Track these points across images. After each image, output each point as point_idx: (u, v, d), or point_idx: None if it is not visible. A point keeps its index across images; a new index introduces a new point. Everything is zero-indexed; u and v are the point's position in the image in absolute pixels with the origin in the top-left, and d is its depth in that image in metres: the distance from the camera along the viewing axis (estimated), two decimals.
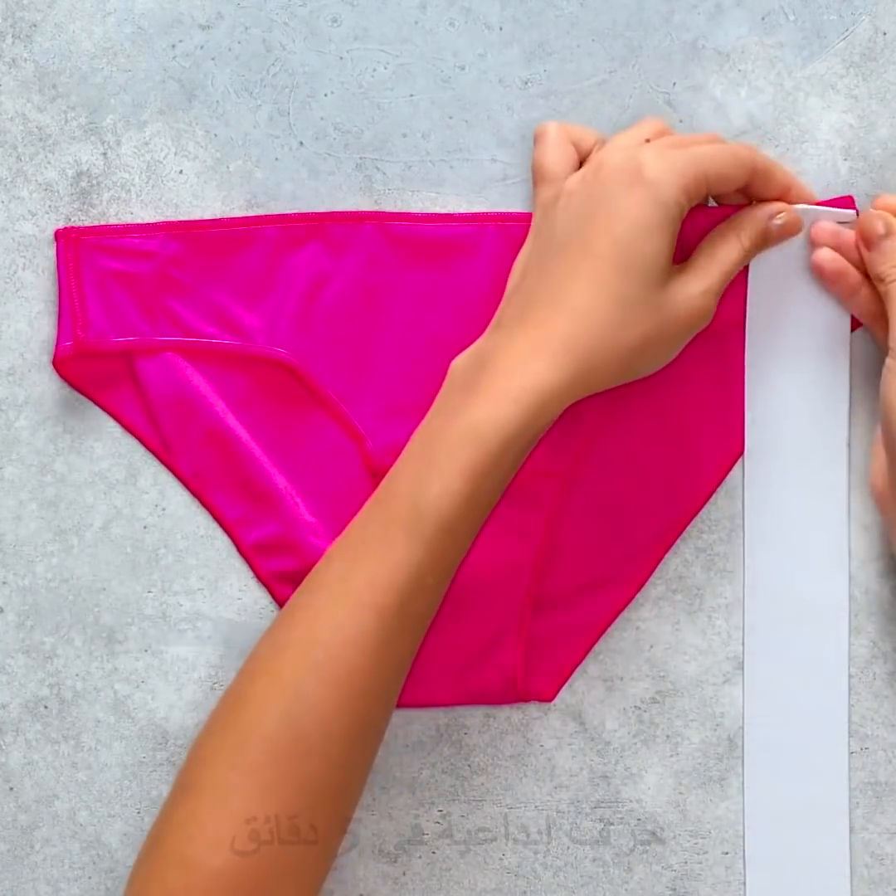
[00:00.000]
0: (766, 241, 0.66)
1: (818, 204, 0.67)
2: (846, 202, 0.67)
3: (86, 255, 0.68)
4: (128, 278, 0.68)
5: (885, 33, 0.69)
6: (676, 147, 0.63)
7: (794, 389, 0.68)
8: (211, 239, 0.68)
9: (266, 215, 0.69)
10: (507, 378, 0.61)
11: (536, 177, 0.66)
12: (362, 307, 0.69)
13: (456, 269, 0.68)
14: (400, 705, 0.65)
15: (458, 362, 0.63)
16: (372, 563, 0.60)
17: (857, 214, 0.67)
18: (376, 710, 0.61)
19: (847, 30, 0.69)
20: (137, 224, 0.69)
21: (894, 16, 0.69)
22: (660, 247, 0.62)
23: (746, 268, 0.67)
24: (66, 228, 0.68)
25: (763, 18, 0.69)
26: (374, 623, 0.59)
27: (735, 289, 0.67)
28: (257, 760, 0.59)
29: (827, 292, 0.67)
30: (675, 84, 0.69)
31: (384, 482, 0.62)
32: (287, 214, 0.69)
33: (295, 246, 0.68)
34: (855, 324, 0.68)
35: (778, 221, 0.65)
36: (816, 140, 0.69)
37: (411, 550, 0.60)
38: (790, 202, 0.66)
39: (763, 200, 0.66)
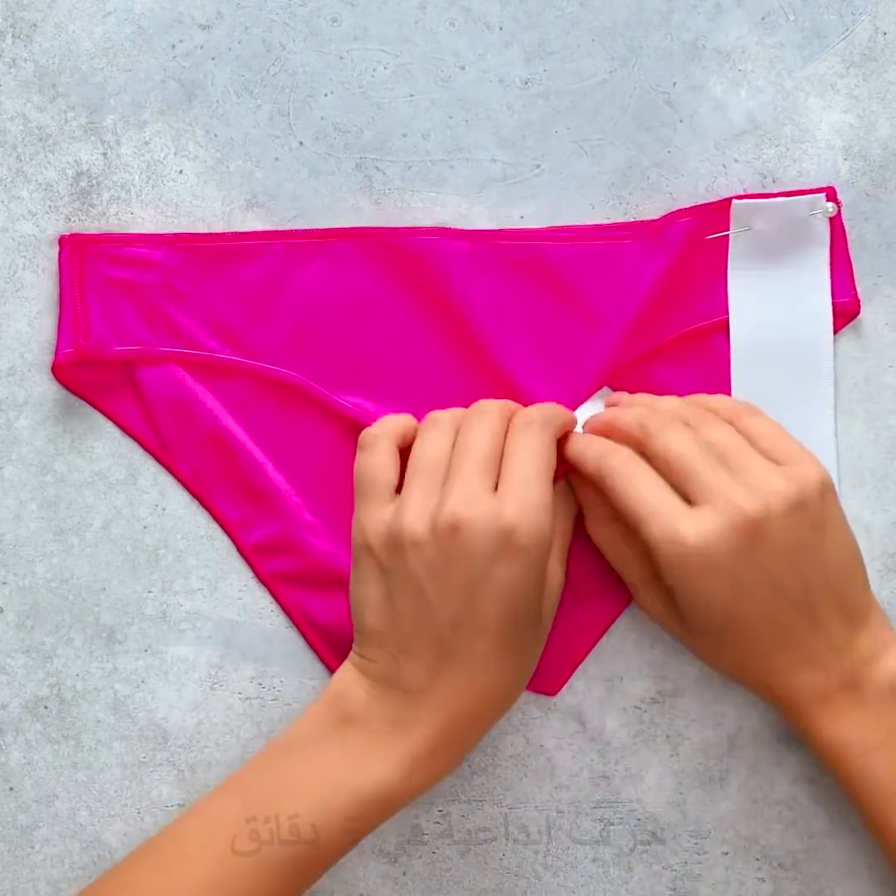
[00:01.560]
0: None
1: (796, 193, 0.68)
2: (826, 192, 0.68)
3: (90, 263, 0.68)
4: (131, 287, 0.68)
5: (885, 33, 0.69)
6: (517, 469, 0.60)
7: (780, 390, 0.68)
8: (215, 252, 0.68)
9: (271, 231, 0.69)
10: (421, 752, 0.61)
11: (364, 489, 0.62)
12: (365, 322, 0.69)
13: (454, 281, 0.68)
14: None
15: (357, 699, 0.61)
16: None
17: (838, 206, 0.67)
18: None
19: (847, 30, 0.69)
20: (142, 234, 0.69)
21: (894, 16, 0.69)
22: (540, 592, 0.61)
23: (726, 269, 0.68)
24: (71, 235, 0.68)
25: (763, 18, 0.69)
26: None
27: (718, 292, 0.68)
28: None
29: (809, 295, 0.68)
30: (675, 84, 0.69)
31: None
32: (292, 231, 0.69)
33: (299, 262, 0.68)
34: (838, 325, 0.68)
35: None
36: (816, 140, 0.69)
37: None
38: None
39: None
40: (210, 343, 0.69)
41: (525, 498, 0.59)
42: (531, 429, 0.62)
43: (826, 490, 0.61)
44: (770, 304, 0.68)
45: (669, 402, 0.65)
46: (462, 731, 0.61)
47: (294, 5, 0.69)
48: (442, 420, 0.63)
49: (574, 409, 0.68)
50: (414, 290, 0.68)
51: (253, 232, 0.69)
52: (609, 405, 0.66)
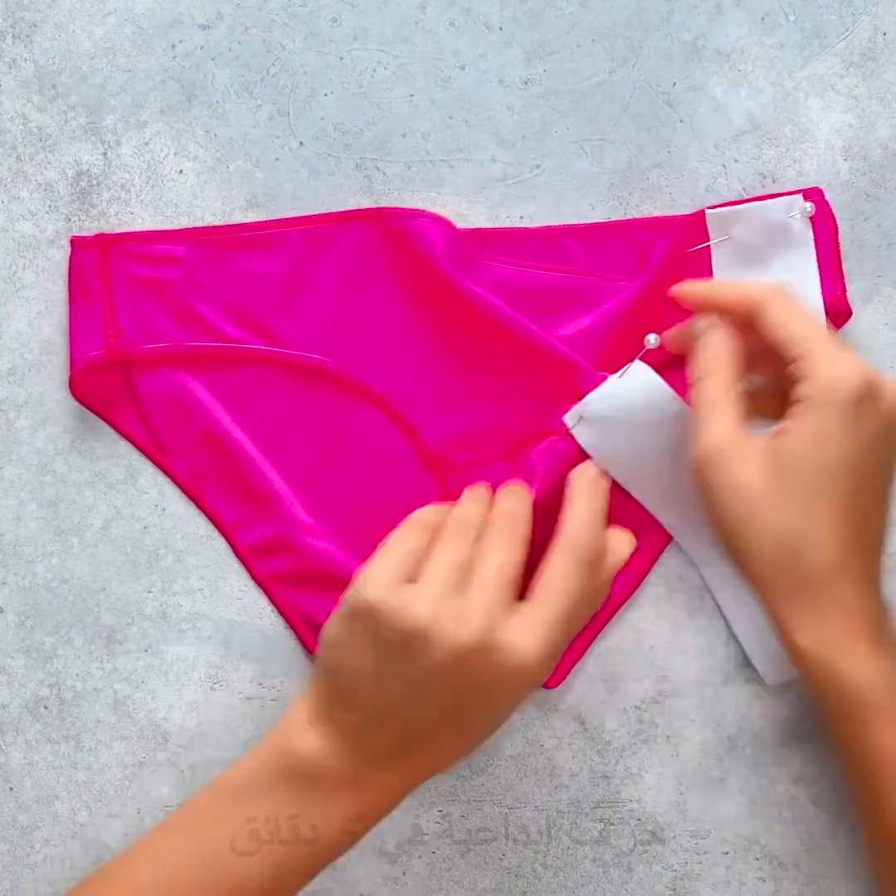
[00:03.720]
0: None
1: (771, 196, 0.67)
2: (812, 192, 0.67)
3: (115, 262, 0.68)
4: (156, 285, 0.68)
5: (885, 33, 0.69)
6: (551, 608, 0.59)
7: None
8: (234, 243, 0.68)
9: (290, 218, 0.69)
10: (367, 812, 0.60)
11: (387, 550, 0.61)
12: (393, 305, 0.68)
13: (476, 263, 0.68)
14: None
15: (312, 749, 0.59)
16: None
17: (817, 204, 0.67)
18: None
19: (847, 30, 0.69)
20: (162, 231, 0.69)
21: (894, 16, 0.69)
22: None
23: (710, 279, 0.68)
24: (95, 236, 0.68)
25: (763, 18, 0.69)
26: None
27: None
28: None
29: (794, 288, 0.67)
30: (675, 84, 0.69)
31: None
32: (310, 216, 0.68)
33: (322, 248, 0.68)
34: (837, 324, 0.68)
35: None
36: (816, 140, 0.69)
37: None
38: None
39: None
40: (236, 334, 0.68)
41: (552, 644, 0.58)
42: (568, 560, 0.60)
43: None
44: None
45: None
46: (407, 793, 0.61)
47: (294, 5, 0.69)
48: (465, 526, 0.62)
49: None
50: (422, 275, 0.68)
51: (271, 221, 0.69)
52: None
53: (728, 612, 0.68)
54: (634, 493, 0.68)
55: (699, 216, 0.67)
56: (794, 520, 0.59)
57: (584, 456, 0.67)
